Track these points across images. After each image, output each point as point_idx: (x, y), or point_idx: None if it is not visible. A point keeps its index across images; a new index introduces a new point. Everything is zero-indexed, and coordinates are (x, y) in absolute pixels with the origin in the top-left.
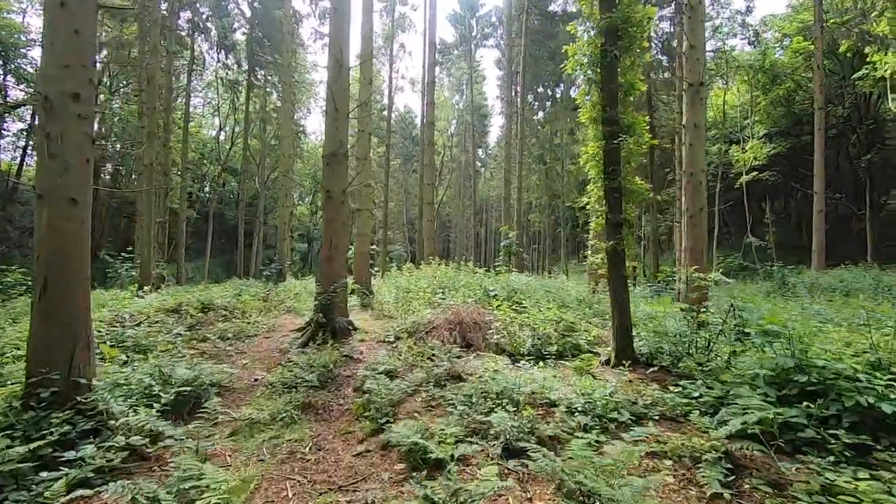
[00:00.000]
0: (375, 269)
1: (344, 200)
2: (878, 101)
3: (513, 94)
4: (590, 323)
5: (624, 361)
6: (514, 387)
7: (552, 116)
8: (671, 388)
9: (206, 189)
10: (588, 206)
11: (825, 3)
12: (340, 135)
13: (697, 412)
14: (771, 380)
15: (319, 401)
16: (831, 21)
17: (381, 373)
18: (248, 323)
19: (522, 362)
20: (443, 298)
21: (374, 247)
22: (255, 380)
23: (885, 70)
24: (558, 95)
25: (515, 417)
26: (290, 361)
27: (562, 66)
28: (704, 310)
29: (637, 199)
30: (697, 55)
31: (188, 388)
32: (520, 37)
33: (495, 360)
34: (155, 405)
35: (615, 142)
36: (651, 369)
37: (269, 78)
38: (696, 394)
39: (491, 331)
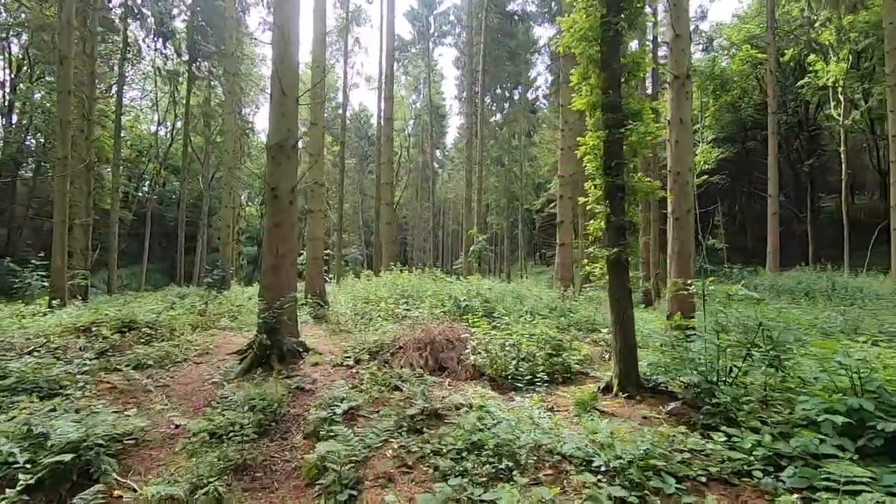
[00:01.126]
0: (330, 275)
1: (293, 200)
2: (817, 110)
3: (473, 92)
4: (577, 339)
5: (628, 388)
6: (513, 435)
7: (511, 118)
8: (713, 435)
9: (145, 189)
10: (587, 207)
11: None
12: (288, 122)
13: (759, 472)
14: (843, 425)
15: (259, 457)
16: (779, 29)
17: (339, 416)
18: (177, 345)
19: (514, 396)
20: (407, 310)
21: (328, 251)
22: (176, 427)
23: (828, 79)
24: (516, 97)
25: (532, 501)
26: (225, 398)
27: (521, 66)
28: (693, 321)
29: (643, 198)
30: (683, 45)
31: (71, 455)
32: (479, 34)
33: (477, 389)
34: (9, 490)
35: (619, 131)
36: (672, 404)
37: (214, 70)
38: (748, 444)
39: (467, 350)
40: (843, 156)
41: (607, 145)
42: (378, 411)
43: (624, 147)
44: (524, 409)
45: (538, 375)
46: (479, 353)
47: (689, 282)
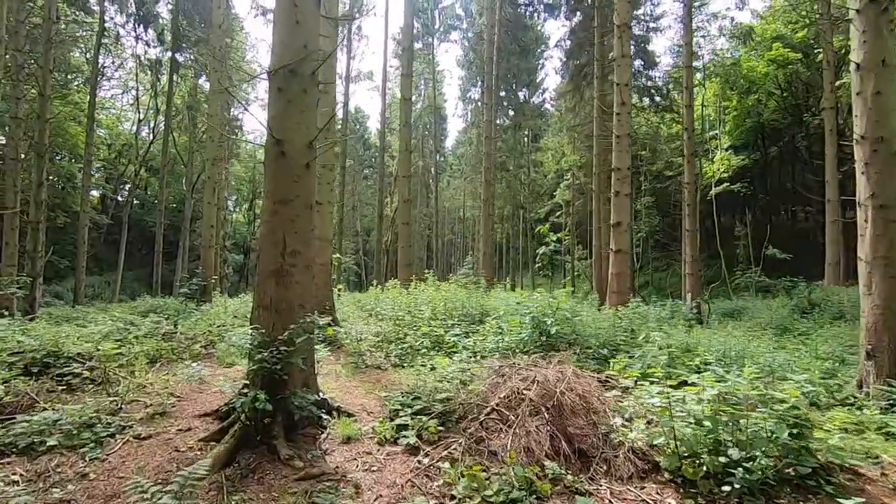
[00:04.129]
0: (340, 286)
1: (310, 163)
2: (848, 114)
3: (490, 83)
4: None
5: None
6: None
7: (518, 119)
8: None
9: (125, 191)
10: None
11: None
12: (305, 34)
13: None
14: None
15: None
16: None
17: None
18: (116, 398)
19: None
20: (457, 336)
21: (337, 255)
22: None
23: None
24: (521, 99)
25: None
26: None
27: (533, 61)
28: None
29: None
30: None
31: None
32: (493, 27)
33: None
34: None
35: None
36: None
37: (199, 57)
38: None
39: (617, 421)
40: None
41: None
42: None
43: None
44: None
45: (762, 470)
46: (637, 422)
47: None
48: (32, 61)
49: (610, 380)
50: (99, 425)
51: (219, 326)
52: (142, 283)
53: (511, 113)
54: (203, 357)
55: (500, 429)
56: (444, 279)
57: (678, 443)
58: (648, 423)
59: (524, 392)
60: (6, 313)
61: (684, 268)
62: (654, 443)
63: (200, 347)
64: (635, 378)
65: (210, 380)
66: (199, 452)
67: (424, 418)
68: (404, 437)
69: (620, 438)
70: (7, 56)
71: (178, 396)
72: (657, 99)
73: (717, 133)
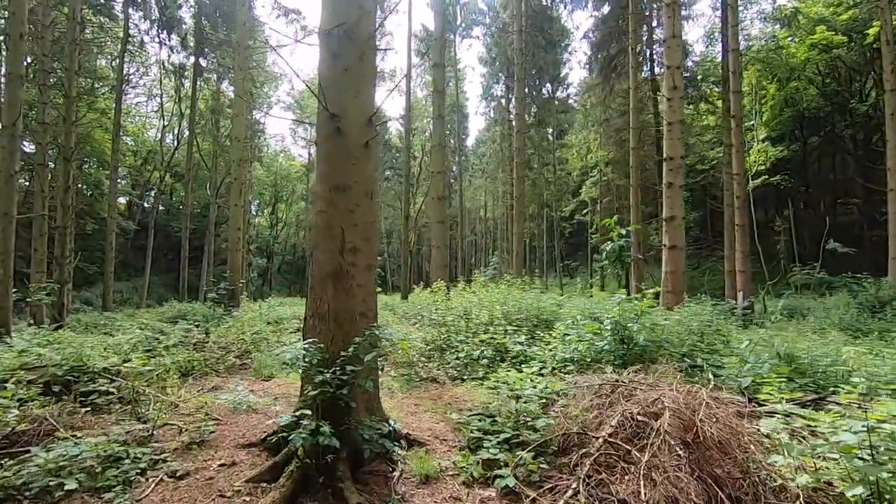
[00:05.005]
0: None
1: (370, 142)
2: None
3: (523, 73)
4: None
5: None
6: None
7: (541, 115)
8: None
9: (151, 198)
10: None
11: None
12: None
13: None
14: None
15: None
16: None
17: None
18: (146, 423)
19: None
20: (520, 345)
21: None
22: None
23: None
24: (545, 95)
25: None
26: None
27: (559, 54)
28: None
29: None
30: None
31: None
32: (521, 16)
33: None
34: None
35: None
36: None
37: (222, 61)
38: None
39: (777, 460)
40: None
41: None
42: None
43: None
44: None
45: None
46: (800, 461)
47: None
48: (59, 64)
49: (722, 397)
50: (127, 460)
51: (253, 334)
52: (168, 287)
53: (535, 109)
54: (238, 369)
55: (622, 468)
56: (469, 281)
57: (884, 495)
58: (820, 460)
59: (639, 418)
60: (32, 321)
61: (732, 264)
62: (851, 493)
63: (235, 358)
64: (785, 400)
65: (253, 396)
66: (247, 498)
67: (518, 451)
68: (499, 477)
69: (781, 482)
70: (36, 65)
71: (217, 419)
72: (689, 90)
73: (753, 124)
